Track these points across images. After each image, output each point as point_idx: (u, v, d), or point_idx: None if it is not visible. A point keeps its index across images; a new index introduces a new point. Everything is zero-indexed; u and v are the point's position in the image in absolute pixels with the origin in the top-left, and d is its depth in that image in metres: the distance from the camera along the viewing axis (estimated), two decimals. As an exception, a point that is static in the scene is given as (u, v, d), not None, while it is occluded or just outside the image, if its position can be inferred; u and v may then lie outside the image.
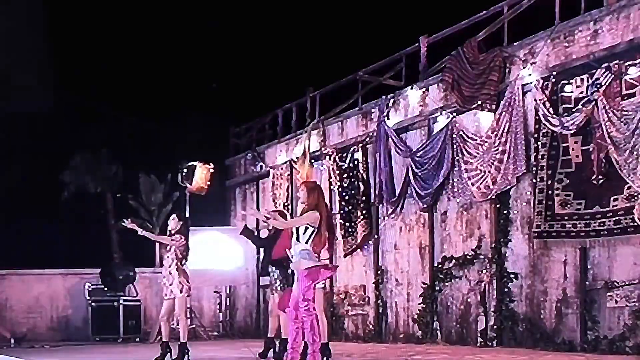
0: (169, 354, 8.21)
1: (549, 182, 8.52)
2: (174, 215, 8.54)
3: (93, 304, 13.52)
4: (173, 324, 12.91)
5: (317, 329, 6.38)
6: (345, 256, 11.73)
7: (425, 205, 10.37)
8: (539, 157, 8.66)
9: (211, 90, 19.01)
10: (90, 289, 13.72)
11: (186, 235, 8.33)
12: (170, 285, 8.17)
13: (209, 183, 13.25)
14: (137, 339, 13.18)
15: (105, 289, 13.61)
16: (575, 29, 8.47)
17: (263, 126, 14.89)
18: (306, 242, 6.44)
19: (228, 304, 14.76)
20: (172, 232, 8.33)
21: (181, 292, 8.15)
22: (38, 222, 19.21)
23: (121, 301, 13.39)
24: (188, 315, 9.02)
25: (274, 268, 8.18)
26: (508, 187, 9.16)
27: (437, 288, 10.20)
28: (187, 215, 13.25)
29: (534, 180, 8.72)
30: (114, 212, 19.46)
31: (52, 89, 17.63)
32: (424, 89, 10.57)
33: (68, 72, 18.30)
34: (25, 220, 19.07)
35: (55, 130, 18.75)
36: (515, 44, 9.24)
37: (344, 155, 11.93)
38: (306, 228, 6.45)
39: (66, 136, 19.02)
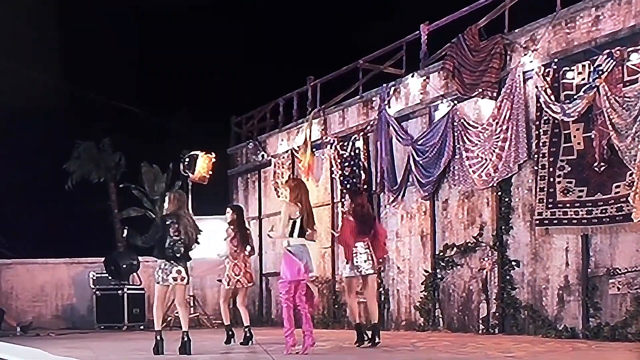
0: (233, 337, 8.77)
1: (551, 169, 8.50)
2: (228, 209, 9.04)
3: (97, 292, 13.60)
4: (176, 312, 13.08)
5: (288, 316, 7.01)
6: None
7: (426, 194, 10.36)
8: (541, 144, 8.64)
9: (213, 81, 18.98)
10: (94, 278, 13.79)
11: (239, 225, 8.84)
12: (237, 275, 8.71)
13: (210, 172, 13.26)
14: (141, 327, 13.25)
15: (110, 277, 13.67)
16: (576, 15, 8.42)
17: (264, 115, 14.87)
18: (299, 236, 7.08)
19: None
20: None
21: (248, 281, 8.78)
22: (42, 211, 19.30)
23: (125, 290, 13.47)
24: (247, 303, 9.49)
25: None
26: (509, 174, 9.15)
27: (439, 276, 10.22)
28: (190, 203, 13.30)
29: (535, 168, 8.71)
30: (117, 201, 19.55)
31: (55, 80, 17.66)
32: (424, 77, 10.54)
33: (71, 63, 18.31)
34: (29, 209, 19.17)
35: (59, 120, 18.79)
36: (516, 30, 9.19)
37: (345, 143, 11.92)
38: (294, 222, 7.09)
39: (69, 126, 19.07)
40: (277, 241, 12.97)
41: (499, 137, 9.19)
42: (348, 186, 11.72)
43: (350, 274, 8.11)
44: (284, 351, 7.09)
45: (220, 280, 14.04)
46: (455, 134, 9.81)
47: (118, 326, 13.26)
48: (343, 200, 8.52)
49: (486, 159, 9.38)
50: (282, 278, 7.17)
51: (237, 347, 8.51)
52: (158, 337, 7.59)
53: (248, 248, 8.87)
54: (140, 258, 14.09)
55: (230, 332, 8.83)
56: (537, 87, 8.68)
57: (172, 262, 7.56)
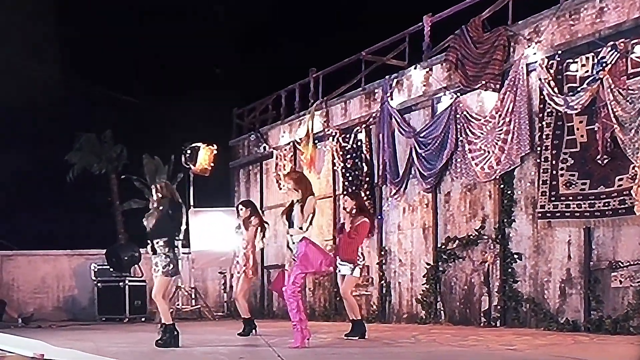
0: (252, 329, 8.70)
1: (554, 162, 8.47)
2: (241, 206, 8.93)
3: (99, 284, 13.61)
4: (178, 304, 13.12)
5: (303, 309, 6.93)
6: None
7: (428, 186, 10.34)
8: (544, 136, 8.60)
9: (215, 74, 18.97)
10: (96, 270, 13.81)
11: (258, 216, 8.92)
12: (244, 265, 8.70)
13: (212, 164, 13.27)
14: (143, 319, 13.27)
15: (111, 269, 13.68)
16: (580, 6, 8.36)
17: (266, 107, 14.83)
18: (307, 229, 6.93)
19: (232, 284, 14.82)
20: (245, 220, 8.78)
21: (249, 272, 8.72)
22: (43, 203, 19.31)
23: (126, 281, 13.47)
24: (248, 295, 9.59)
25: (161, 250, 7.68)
26: (512, 167, 9.12)
27: (441, 269, 10.21)
28: (192, 195, 13.34)
29: (538, 160, 8.67)
30: (119, 193, 19.55)
31: (57, 72, 17.62)
32: (427, 69, 10.49)
33: (73, 54, 18.26)
34: (31, 201, 19.17)
35: (61, 112, 18.76)
36: (519, 22, 9.14)
37: (347, 135, 11.89)
38: (307, 215, 6.91)
39: (71, 118, 19.04)
40: (278, 234, 12.99)
41: (501, 130, 9.15)
42: (350, 178, 11.69)
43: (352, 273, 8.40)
44: (295, 344, 6.92)
45: (222, 273, 14.21)
46: (458, 126, 9.77)
47: (119, 318, 13.27)
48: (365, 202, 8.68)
49: (489, 152, 9.34)
50: (299, 269, 6.87)
51: (239, 339, 8.51)
52: (175, 331, 7.37)
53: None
54: (141, 250, 14.11)
55: (254, 325, 8.78)
56: (540, 79, 8.63)
57: (178, 252, 7.54)
